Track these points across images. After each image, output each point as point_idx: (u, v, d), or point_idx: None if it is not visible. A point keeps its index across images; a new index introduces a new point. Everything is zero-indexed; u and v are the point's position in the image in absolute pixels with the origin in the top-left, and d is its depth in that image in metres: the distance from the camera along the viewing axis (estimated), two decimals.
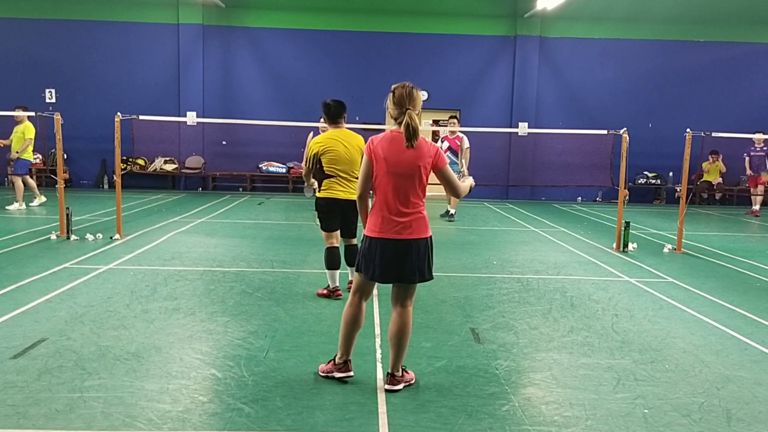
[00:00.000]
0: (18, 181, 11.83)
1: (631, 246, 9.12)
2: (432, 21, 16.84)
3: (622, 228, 9.09)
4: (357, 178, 5.54)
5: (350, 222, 5.88)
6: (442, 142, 12.25)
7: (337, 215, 5.83)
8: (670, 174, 17.20)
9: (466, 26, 16.87)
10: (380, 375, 4.11)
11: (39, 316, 5.15)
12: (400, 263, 3.71)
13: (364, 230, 3.86)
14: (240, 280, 6.66)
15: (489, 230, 11.13)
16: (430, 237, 3.82)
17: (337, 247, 5.90)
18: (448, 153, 12.08)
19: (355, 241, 5.90)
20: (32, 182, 12.41)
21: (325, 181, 5.79)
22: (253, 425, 3.37)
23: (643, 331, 5.26)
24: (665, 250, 9.24)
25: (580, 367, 4.35)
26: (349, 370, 3.97)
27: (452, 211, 12.30)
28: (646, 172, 17.17)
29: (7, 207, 11.62)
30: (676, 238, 9.38)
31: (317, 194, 5.92)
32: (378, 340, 4.82)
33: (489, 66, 17.07)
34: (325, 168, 5.75)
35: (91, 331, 4.81)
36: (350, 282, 5.88)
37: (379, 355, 4.48)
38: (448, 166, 3.86)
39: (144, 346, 4.52)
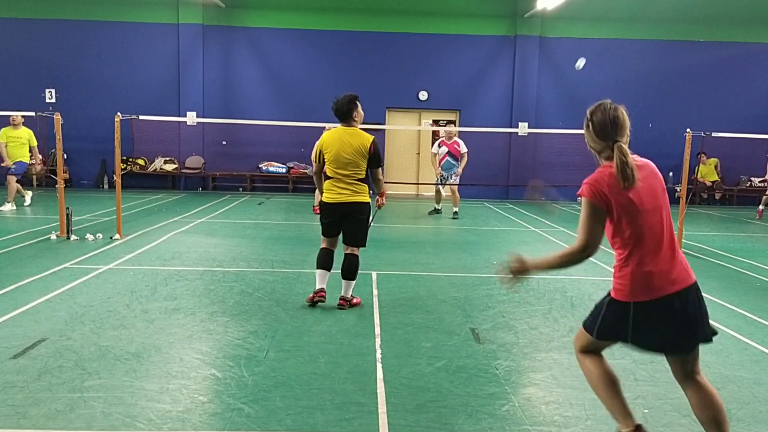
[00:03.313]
0: (12, 182, 11.68)
1: None
2: (432, 21, 16.84)
3: None
4: (359, 181, 5.47)
5: (352, 227, 5.56)
6: (440, 146, 12.29)
7: (335, 220, 5.57)
8: (670, 174, 17.17)
9: (466, 26, 16.87)
10: (380, 375, 4.11)
11: (39, 316, 5.15)
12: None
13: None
14: (240, 280, 6.66)
15: (489, 230, 11.12)
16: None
17: (329, 250, 5.68)
18: (447, 158, 12.16)
19: (357, 251, 5.63)
20: (19, 186, 12.02)
21: (325, 182, 5.63)
22: (253, 425, 3.37)
23: None
24: None
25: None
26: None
27: (456, 209, 12.40)
28: None
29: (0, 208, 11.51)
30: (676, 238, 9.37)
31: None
32: (378, 341, 4.82)
33: (489, 66, 17.07)
34: (326, 168, 5.62)
35: (91, 331, 4.81)
36: (342, 298, 5.63)
37: (379, 356, 4.48)
38: None
39: (144, 346, 4.52)
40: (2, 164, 11.85)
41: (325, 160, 5.57)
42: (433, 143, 17.51)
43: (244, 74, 16.93)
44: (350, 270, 5.60)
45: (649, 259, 2.79)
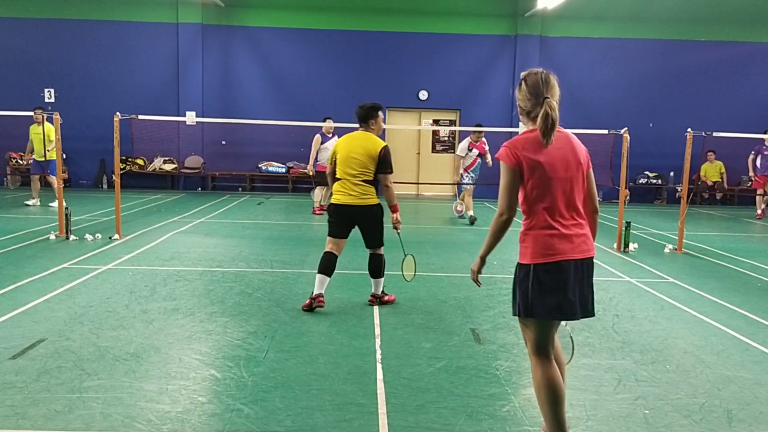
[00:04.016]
0: (53, 181, 11.65)
1: (632, 246, 9.11)
2: (432, 21, 16.83)
3: (623, 228, 9.08)
4: (366, 183, 5.53)
5: (367, 232, 5.67)
6: (471, 150, 11.70)
7: (341, 221, 5.62)
8: (671, 174, 17.19)
9: (466, 26, 16.86)
10: (380, 375, 4.10)
11: (38, 317, 5.14)
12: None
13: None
14: (239, 280, 6.65)
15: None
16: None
17: (333, 254, 5.63)
18: (479, 160, 11.72)
19: (379, 250, 5.71)
20: (38, 185, 12.43)
21: (334, 184, 5.71)
22: (252, 426, 3.35)
23: (644, 331, 5.25)
24: (666, 250, 9.23)
25: (581, 368, 4.33)
26: None
27: (471, 213, 11.90)
28: (647, 172, 17.16)
29: (50, 204, 11.99)
30: (677, 238, 9.37)
31: None
32: (378, 341, 4.80)
33: (489, 65, 17.05)
34: (336, 170, 5.70)
35: (90, 332, 4.79)
36: (372, 295, 5.80)
37: (379, 356, 4.47)
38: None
39: (143, 346, 4.51)
40: (24, 158, 12.62)
41: (336, 160, 5.68)
42: (435, 143, 17.61)
43: (244, 74, 16.92)
44: (375, 269, 5.73)
45: (552, 225, 2.96)
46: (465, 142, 11.76)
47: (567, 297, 2.97)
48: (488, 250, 3.11)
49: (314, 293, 5.55)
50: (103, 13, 16.47)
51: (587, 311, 3.11)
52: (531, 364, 3.11)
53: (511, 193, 2.98)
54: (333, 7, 16.76)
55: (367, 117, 5.66)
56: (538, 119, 2.94)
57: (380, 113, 5.74)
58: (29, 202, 12.27)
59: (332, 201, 5.69)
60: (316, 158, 12.18)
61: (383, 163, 5.55)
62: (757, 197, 14.48)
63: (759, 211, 14.13)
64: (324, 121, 12.13)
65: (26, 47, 16.44)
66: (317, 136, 12.19)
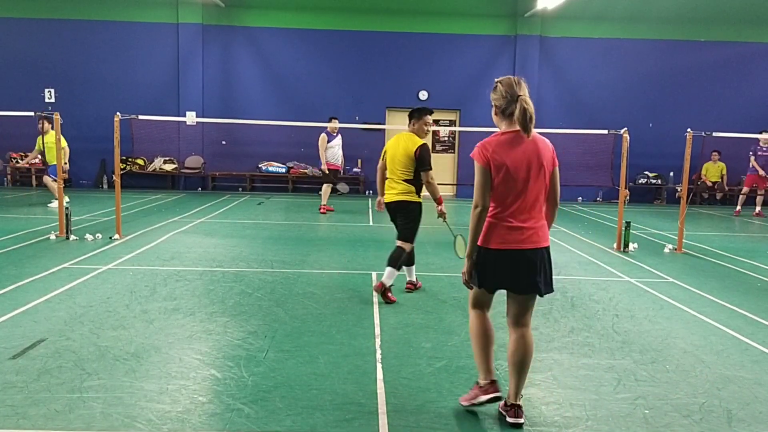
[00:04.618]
0: (50, 182, 12.10)
1: (631, 246, 9.11)
2: (432, 21, 16.83)
3: (623, 228, 9.08)
4: (407, 182, 5.92)
5: (400, 224, 6.02)
6: None
7: (392, 217, 6.11)
8: (671, 174, 17.19)
9: (466, 26, 16.86)
10: (380, 375, 4.10)
11: (38, 317, 5.14)
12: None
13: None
14: (239, 280, 6.65)
15: None
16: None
17: (400, 248, 5.95)
18: None
19: (404, 245, 5.95)
20: (53, 185, 12.45)
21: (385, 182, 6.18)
22: (252, 426, 3.36)
23: (643, 331, 5.25)
24: (666, 250, 9.23)
25: (581, 368, 4.34)
26: (498, 390, 3.52)
27: None
28: (646, 172, 17.15)
29: (48, 205, 12.20)
30: (676, 238, 9.37)
31: None
32: (378, 341, 4.81)
33: (489, 66, 17.04)
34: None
35: (90, 332, 4.80)
36: (381, 282, 5.93)
37: (379, 356, 4.47)
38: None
39: (143, 346, 4.51)
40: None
41: (386, 160, 6.12)
42: (435, 143, 17.58)
43: (244, 74, 16.91)
44: (390, 257, 5.95)
45: (510, 218, 3.36)
46: None
47: (510, 278, 3.40)
48: (473, 246, 3.42)
49: (407, 280, 6.35)
50: (104, 13, 16.47)
51: (535, 290, 3.43)
52: (469, 316, 3.64)
53: (484, 188, 3.35)
54: (333, 7, 16.76)
55: (410, 117, 6.09)
56: (516, 114, 3.30)
57: (425, 116, 6.03)
58: (51, 205, 12.20)
59: (384, 200, 6.14)
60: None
61: (420, 161, 5.87)
62: (741, 196, 14.79)
63: (738, 208, 14.66)
64: (329, 121, 12.42)
65: (26, 47, 16.45)
66: (323, 135, 12.43)
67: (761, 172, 14.43)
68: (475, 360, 3.63)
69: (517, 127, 3.33)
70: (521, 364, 3.46)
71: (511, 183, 3.32)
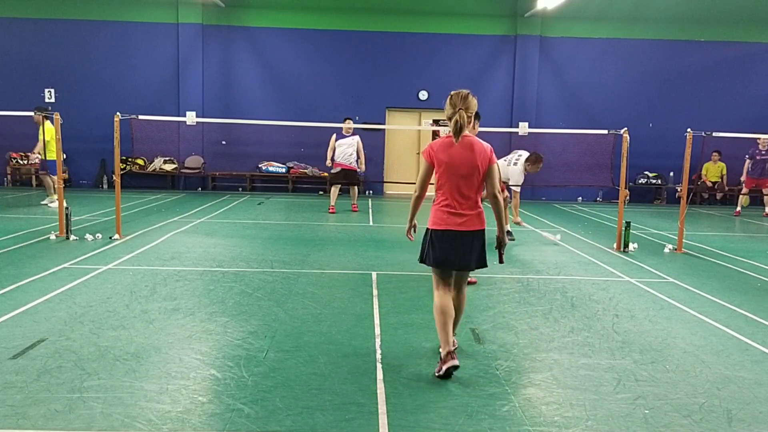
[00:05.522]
0: (46, 179, 12.36)
1: (631, 246, 9.11)
2: (432, 21, 16.83)
3: (623, 228, 9.08)
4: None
5: None
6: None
7: None
8: (671, 174, 17.19)
9: (466, 26, 16.86)
10: (380, 375, 4.10)
11: (38, 317, 5.14)
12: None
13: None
14: (239, 280, 6.65)
15: (489, 230, 11.08)
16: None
17: None
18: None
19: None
20: (50, 181, 12.45)
21: None
22: (252, 426, 3.36)
23: (643, 331, 5.25)
24: (666, 250, 9.23)
25: (581, 368, 4.34)
26: (454, 359, 4.06)
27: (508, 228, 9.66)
28: (646, 172, 17.15)
29: (41, 202, 12.26)
30: (676, 238, 9.37)
31: None
32: (378, 341, 4.81)
33: (489, 66, 17.05)
34: None
35: (90, 332, 4.80)
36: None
37: (379, 356, 4.47)
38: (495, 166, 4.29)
39: (143, 346, 4.51)
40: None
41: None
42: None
43: (244, 74, 16.91)
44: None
45: (450, 204, 4.17)
46: (520, 166, 9.65)
47: (448, 255, 4.18)
48: (411, 216, 4.40)
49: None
50: (103, 13, 16.46)
51: (467, 266, 4.28)
52: (434, 295, 4.30)
53: (423, 180, 4.25)
54: (333, 7, 16.76)
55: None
56: (450, 123, 4.11)
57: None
58: (47, 202, 12.25)
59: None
60: (333, 156, 12.70)
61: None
62: (741, 196, 14.85)
63: (738, 208, 14.65)
64: (344, 121, 12.60)
65: (26, 47, 16.44)
66: (333, 135, 12.71)
67: (743, 177, 14.66)
68: (438, 331, 4.19)
69: None
70: (456, 316, 4.36)
71: (450, 176, 4.13)
